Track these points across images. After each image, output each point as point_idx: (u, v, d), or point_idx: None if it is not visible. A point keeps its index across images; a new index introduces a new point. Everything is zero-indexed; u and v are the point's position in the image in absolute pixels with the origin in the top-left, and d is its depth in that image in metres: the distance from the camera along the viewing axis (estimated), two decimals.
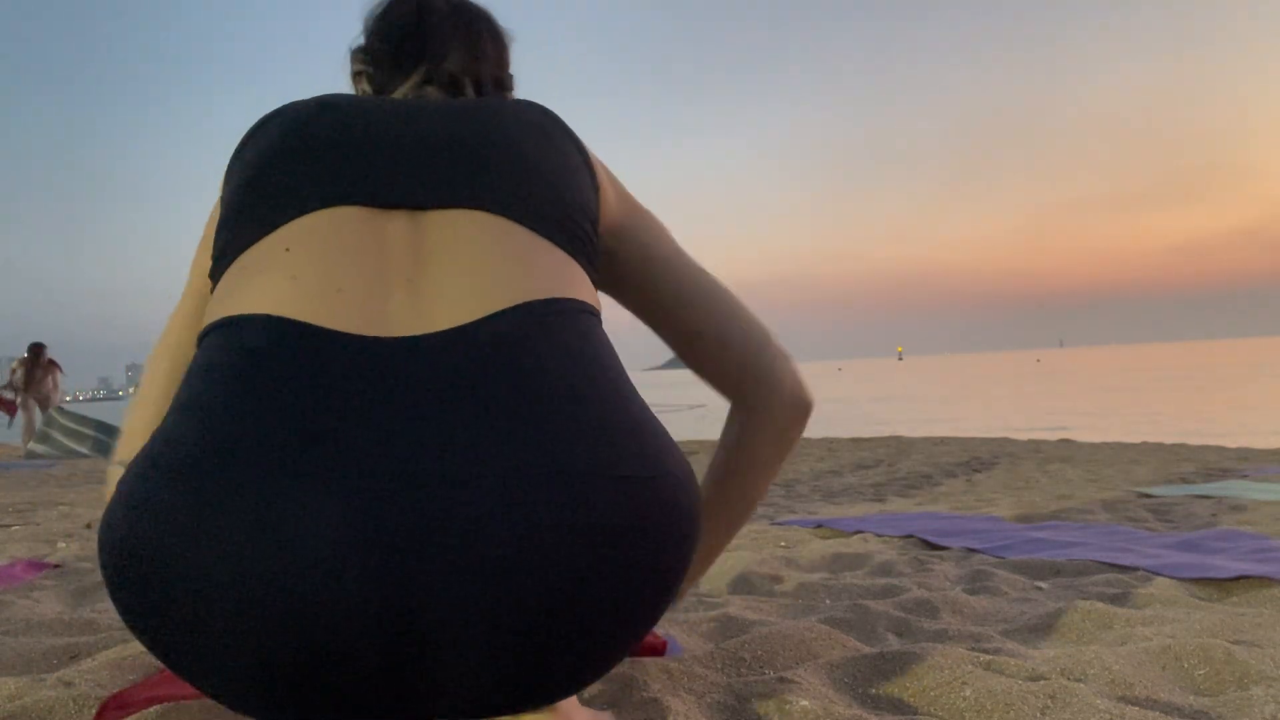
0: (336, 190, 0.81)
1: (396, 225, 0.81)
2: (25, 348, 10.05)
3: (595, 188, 0.94)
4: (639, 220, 1.01)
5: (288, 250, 0.78)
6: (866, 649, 1.25)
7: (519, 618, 0.66)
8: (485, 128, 0.89)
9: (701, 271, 1.03)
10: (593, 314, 0.82)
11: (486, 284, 0.76)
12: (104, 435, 8.89)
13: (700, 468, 5.40)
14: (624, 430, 0.71)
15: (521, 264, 0.79)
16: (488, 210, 0.82)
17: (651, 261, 1.01)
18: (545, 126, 0.92)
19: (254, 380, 0.68)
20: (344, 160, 0.83)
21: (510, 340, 0.72)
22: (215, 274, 0.84)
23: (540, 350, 0.73)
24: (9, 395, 9.76)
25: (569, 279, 0.81)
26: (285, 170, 0.84)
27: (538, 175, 0.86)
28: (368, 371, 0.69)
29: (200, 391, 0.70)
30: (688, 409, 17.96)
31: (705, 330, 1.00)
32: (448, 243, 0.79)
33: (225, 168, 0.95)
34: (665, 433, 0.78)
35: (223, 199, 0.90)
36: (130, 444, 0.90)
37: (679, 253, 1.03)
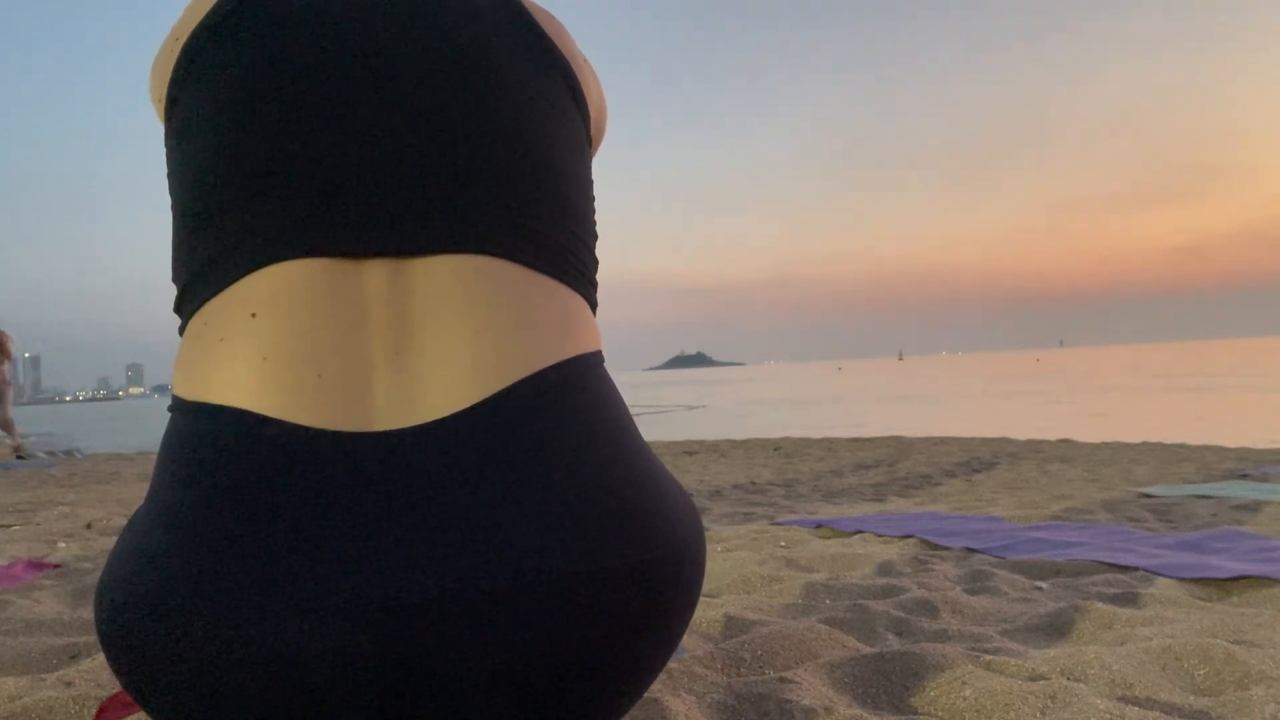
0: (302, 237, 0.71)
1: (374, 279, 0.71)
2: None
3: (590, 148, 0.86)
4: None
5: (254, 316, 0.69)
6: (866, 649, 1.25)
7: None
8: (477, 104, 0.76)
9: None
10: (596, 364, 0.77)
11: (480, 358, 0.69)
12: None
13: (699, 467, 5.39)
14: (627, 515, 0.69)
15: (519, 325, 0.72)
16: (478, 252, 0.73)
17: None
18: (539, 77, 0.81)
19: (236, 497, 0.64)
20: (309, 192, 0.72)
21: (506, 432, 0.67)
22: (180, 309, 0.77)
23: (538, 443, 0.68)
24: None
25: (570, 324, 0.76)
26: (237, 199, 0.72)
27: (537, 174, 0.77)
28: (354, 478, 0.64)
29: (180, 502, 0.66)
30: (686, 409, 17.96)
31: None
32: (435, 303, 0.71)
33: (165, 114, 0.80)
34: (670, 492, 0.75)
35: (172, 198, 0.78)
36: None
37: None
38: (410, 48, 0.77)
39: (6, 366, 8.48)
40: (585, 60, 0.89)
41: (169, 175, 0.79)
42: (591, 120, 0.87)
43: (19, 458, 8.22)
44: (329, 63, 0.76)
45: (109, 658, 0.68)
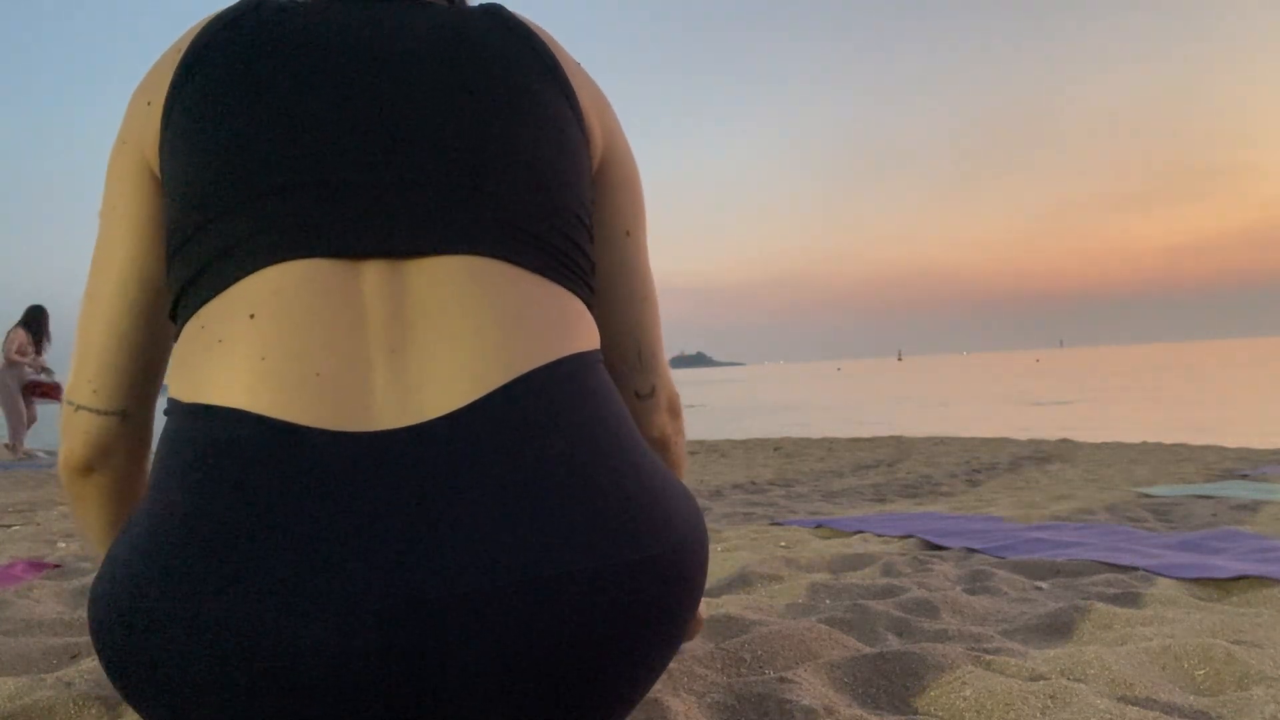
0: (301, 239, 0.71)
1: (372, 279, 0.72)
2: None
3: (588, 154, 0.85)
4: (622, 193, 0.92)
5: (252, 317, 0.70)
6: (866, 649, 1.25)
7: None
8: (470, 107, 0.77)
9: (650, 277, 0.96)
10: (594, 361, 0.77)
11: (479, 356, 0.69)
12: None
13: (699, 467, 5.40)
14: (630, 510, 0.69)
15: (517, 323, 0.72)
16: (475, 253, 0.73)
17: (615, 250, 0.92)
18: (531, 81, 0.81)
19: (234, 497, 0.63)
20: (307, 195, 0.72)
21: (507, 428, 0.67)
22: (175, 315, 0.77)
23: (539, 439, 0.68)
24: (44, 376, 7.95)
25: (568, 323, 0.76)
26: (235, 204, 0.73)
27: (530, 177, 0.77)
28: (354, 478, 0.64)
29: (178, 503, 0.65)
30: (686, 409, 17.97)
31: (632, 346, 0.95)
32: (433, 302, 0.71)
33: (162, 118, 0.78)
34: (671, 486, 0.75)
35: (168, 201, 0.77)
36: (79, 388, 0.83)
37: (642, 248, 0.95)
38: (404, 53, 0.79)
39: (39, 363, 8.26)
40: (578, 64, 0.90)
41: (165, 184, 0.78)
42: (588, 121, 0.86)
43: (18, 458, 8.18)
44: (324, 68, 0.77)
45: (104, 662, 0.67)
